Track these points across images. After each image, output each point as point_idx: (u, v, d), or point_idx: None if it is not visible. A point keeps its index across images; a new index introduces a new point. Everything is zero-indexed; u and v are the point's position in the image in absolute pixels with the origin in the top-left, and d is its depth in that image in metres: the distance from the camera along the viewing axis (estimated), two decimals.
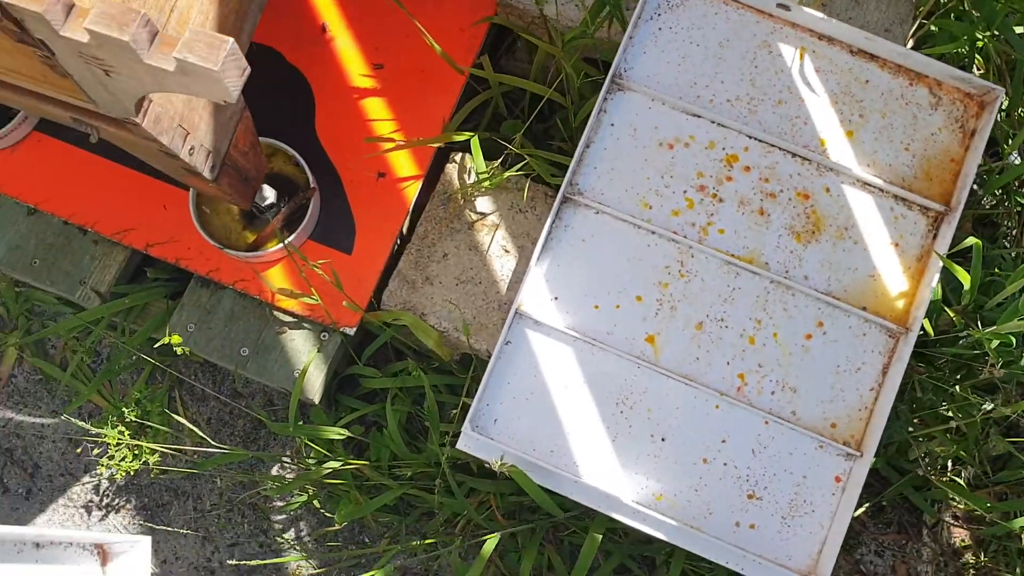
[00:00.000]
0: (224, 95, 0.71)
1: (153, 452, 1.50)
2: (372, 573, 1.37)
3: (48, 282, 1.44)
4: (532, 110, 1.49)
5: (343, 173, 1.46)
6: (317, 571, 1.58)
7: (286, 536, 1.60)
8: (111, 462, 1.50)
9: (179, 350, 1.27)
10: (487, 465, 1.25)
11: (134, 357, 1.58)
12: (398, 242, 1.45)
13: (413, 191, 1.45)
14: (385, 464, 1.47)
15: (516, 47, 1.57)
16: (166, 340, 1.28)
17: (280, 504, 1.60)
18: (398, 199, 1.45)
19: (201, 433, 1.49)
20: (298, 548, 1.59)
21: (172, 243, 1.44)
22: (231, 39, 0.69)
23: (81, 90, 0.84)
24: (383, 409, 1.51)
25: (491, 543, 1.23)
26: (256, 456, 1.57)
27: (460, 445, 1.28)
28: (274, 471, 1.60)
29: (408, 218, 1.45)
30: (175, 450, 1.51)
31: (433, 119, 1.47)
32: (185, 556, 1.60)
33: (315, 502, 1.54)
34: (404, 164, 1.46)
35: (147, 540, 1.40)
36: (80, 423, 1.62)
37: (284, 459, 1.60)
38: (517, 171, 1.32)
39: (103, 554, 1.39)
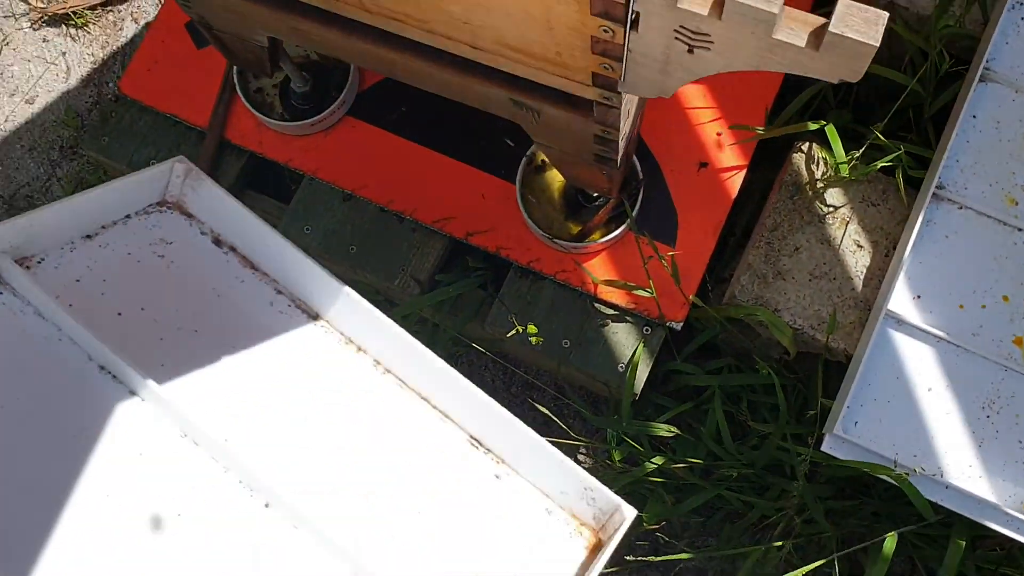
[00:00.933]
0: (856, 72, 0.67)
1: None
2: None
3: (367, 269, 1.42)
4: (856, 100, 1.44)
5: (663, 163, 1.42)
6: (608, 570, 1.55)
7: None
8: None
9: (533, 340, 1.24)
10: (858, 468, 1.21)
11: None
12: (728, 238, 1.41)
13: (736, 182, 1.41)
14: (700, 464, 1.43)
15: None
16: (519, 329, 1.25)
17: None
18: (721, 190, 1.41)
19: None
20: None
21: (492, 232, 1.41)
22: (886, 12, 0.65)
23: (612, 68, 0.80)
24: (694, 408, 1.47)
25: (891, 543, 1.19)
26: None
27: (827, 448, 1.23)
28: None
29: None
30: None
31: (755, 107, 1.43)
32: None
33: None
34: (727, 154, 1.42)
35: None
36: None
37: (579, 455, 1.56)
38: (884, 163, 1.27)
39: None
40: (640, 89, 0.81)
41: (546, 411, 1.50)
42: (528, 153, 1.37)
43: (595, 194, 1.35)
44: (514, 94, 0.97)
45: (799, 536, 1.42)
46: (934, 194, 1.27)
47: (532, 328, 1.23)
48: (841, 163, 1.27)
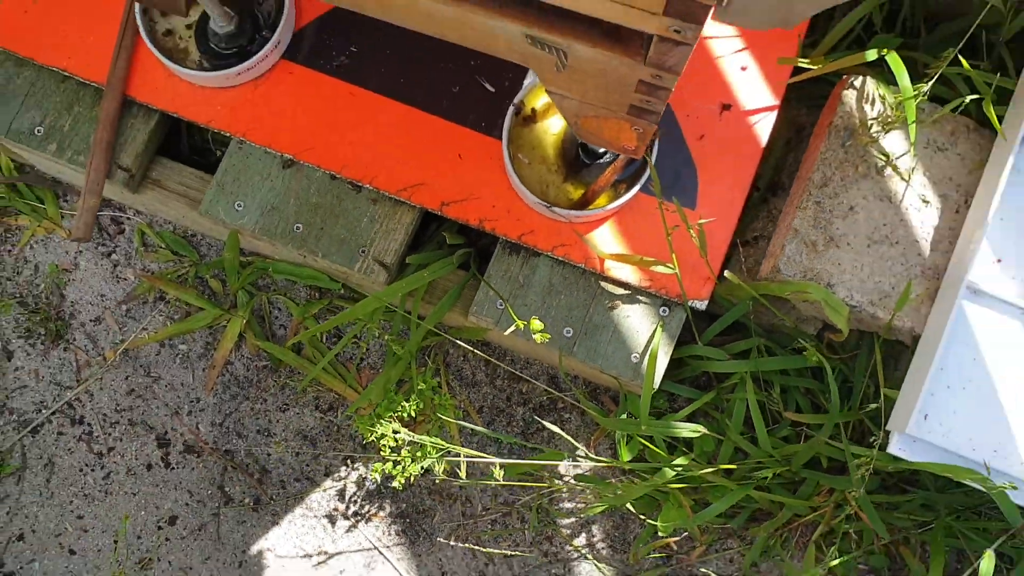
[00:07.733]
0: None
1: (437, 452, 1.23)
2: None
3: (317, 252, 1.15)
4: (909, 23, 1.21)
5: (677, 108, 1.17)
6: None
7: (576, 543, 1.34)
8: (387, 467, 1.22)
9: (538, 337, 0.99)
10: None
11: (385, 341, 1.30)
12: (752, 193, 1.17)
13: (766, 126, 1.16)
14: (723, 462, 1.22)
15: None
16: (521, 324, 1.00)
17: (570, 506, 1.35)
18: (749, 138, 1.16)
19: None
20: (590, 557, 1.34)
21: (472, 200, 1.15)
22: None
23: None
24: (717, 399, 1.25)
25: (989, 564, 0.97)
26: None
27: (896, 449, 1.02)
28: (563, 468, 1.34)
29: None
30: (471, 455, 1.24)
31: (786, 34, 1.18)
32: (453, 570, 1.34)
33: (629, 506, 1.28)
34: (754, 92, 1.17)
35: None
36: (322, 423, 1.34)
37: (578, 456, 1.33)
38: (959, 101, 1.03)
39: None
40: (754, 15, 0.56)
41: (547, 422, 1.26)
42: (516, 101, 1.10)
43: (601, 150, 1.10)
44: (534, 28, 0.70)
45: (840, 535, 1.23)
46: None
47: (537, 325, 0.98)
48: (907, 98, 1.04)
